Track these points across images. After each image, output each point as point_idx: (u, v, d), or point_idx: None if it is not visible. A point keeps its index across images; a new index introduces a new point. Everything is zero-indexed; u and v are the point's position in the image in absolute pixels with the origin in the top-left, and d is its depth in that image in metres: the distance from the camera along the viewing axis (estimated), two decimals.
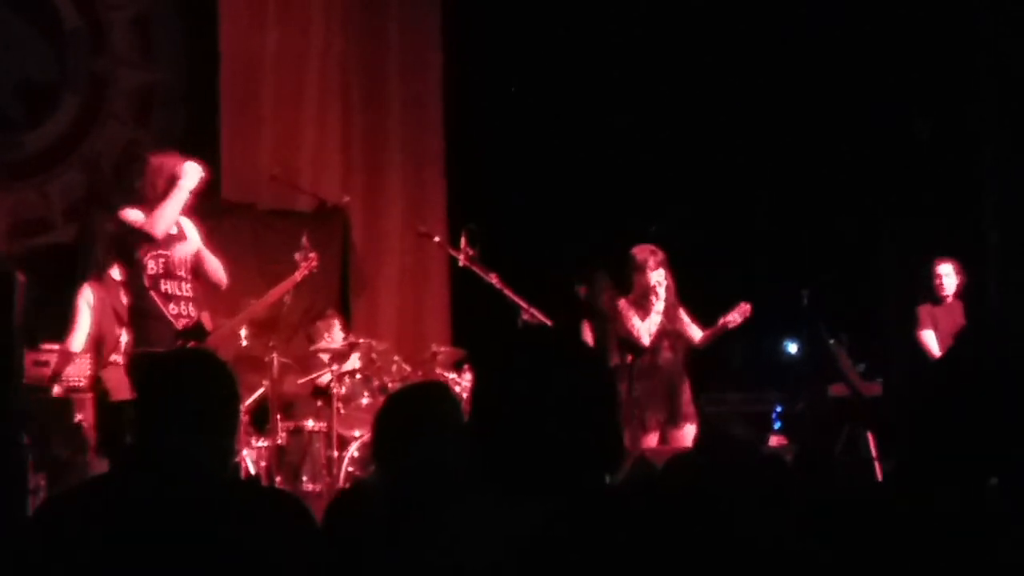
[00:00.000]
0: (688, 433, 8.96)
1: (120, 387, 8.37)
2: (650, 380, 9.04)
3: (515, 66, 12.71)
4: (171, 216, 7.56)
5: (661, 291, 9.01)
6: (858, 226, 12.15)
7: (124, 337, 8.66)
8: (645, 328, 9.00)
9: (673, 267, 9.12)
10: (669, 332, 9.09)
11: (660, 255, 9.08)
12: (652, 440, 8.93)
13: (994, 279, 11.27)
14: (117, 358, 8.70)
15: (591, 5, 12.58)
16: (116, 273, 8.87)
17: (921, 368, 10.11)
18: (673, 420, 8.98)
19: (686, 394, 9.11)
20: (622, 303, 9.09)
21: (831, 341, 10.13)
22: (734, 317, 9.03)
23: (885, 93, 11.82)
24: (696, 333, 9.16)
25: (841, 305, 11.86)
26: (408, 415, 4.26)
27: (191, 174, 7.63)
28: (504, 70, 12.75)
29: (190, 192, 7.62)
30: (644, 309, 9.04)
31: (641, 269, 9.06)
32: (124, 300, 8.45)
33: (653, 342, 9.02)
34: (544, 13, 12.57)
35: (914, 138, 11.69)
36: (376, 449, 4.37)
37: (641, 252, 9.12)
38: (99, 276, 9.13)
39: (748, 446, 5.52)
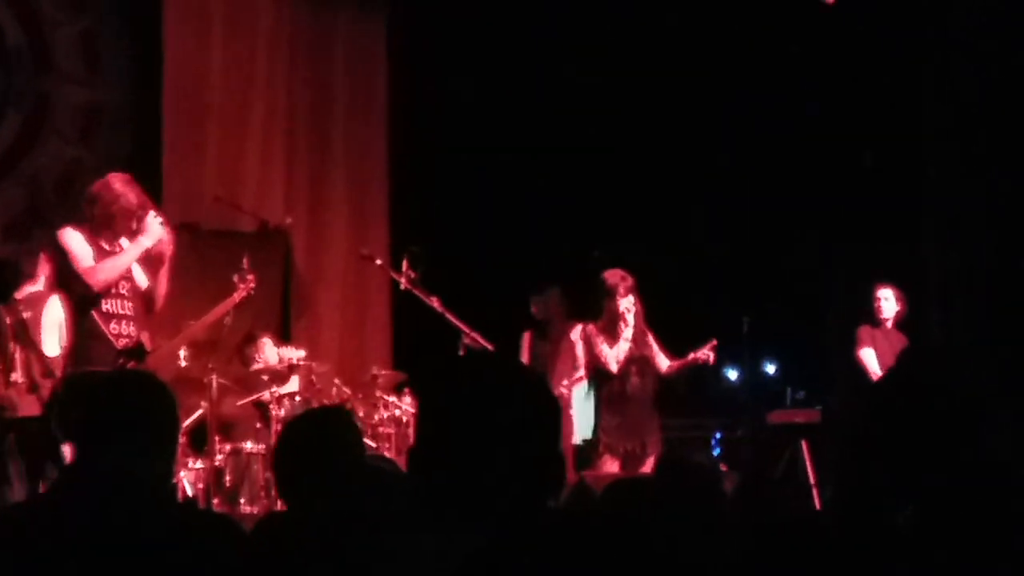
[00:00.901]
0: (651, 463, 8.90)
1: (24, 405, 8.28)
2: (618, 408, 8.98)
3: (460, 87, 12.71)
4: (119, 272, 7.46)
5: (630, 317, 8.94)
6: (800, 253, 12.21)
7: (18, 355, 8.56)
8: (613, 355, 8.93)
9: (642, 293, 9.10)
10: (637, 358, 9.02)
11: (630, 280, 9.01)
12: (611, 467, 8.88)
13: (936, 304, 11.35)
14: (16, 377, 8.58)
15: (537, 24, 12.59)
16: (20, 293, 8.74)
17: (860, 388, 10.16)
18: (640, 450, 8.93)
19: (654, 423, 9.08)
20: (591, 328, 9.04)
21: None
22: (705, 354, 9.05)
23: (829, 119, 11.90)
24: (663, 362, 9.13)
25: (782, 332, 11.94)
26: (304, 447, 4.12)
27: (153, 232, 7.53)
28: (449, 91, 12.74)
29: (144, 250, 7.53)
30: (613, 335, 8.98)
31: (611, 295, 8.98)
32: (21, 315, 8.38)
33: (621, 369, 8.96)
34: (490, 32, 12.58)
35: (860, 165, 11.76)
36: (279, 485, 4.23)
37: (612, 277, 9.04)
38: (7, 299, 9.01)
39: (710, 472, 5.54)
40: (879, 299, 10.37)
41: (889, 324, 10.34)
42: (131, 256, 7.48)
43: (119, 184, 7.59)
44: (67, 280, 7.55)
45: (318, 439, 4.11)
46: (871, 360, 10.18)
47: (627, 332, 8.95)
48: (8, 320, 8.64)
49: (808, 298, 12.14)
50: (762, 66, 12.05)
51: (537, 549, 2.40)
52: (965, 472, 2.80)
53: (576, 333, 9.34)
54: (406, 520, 3.26)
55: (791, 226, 12.18)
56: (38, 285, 8.49)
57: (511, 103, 12.63)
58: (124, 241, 7.60)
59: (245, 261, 8.64)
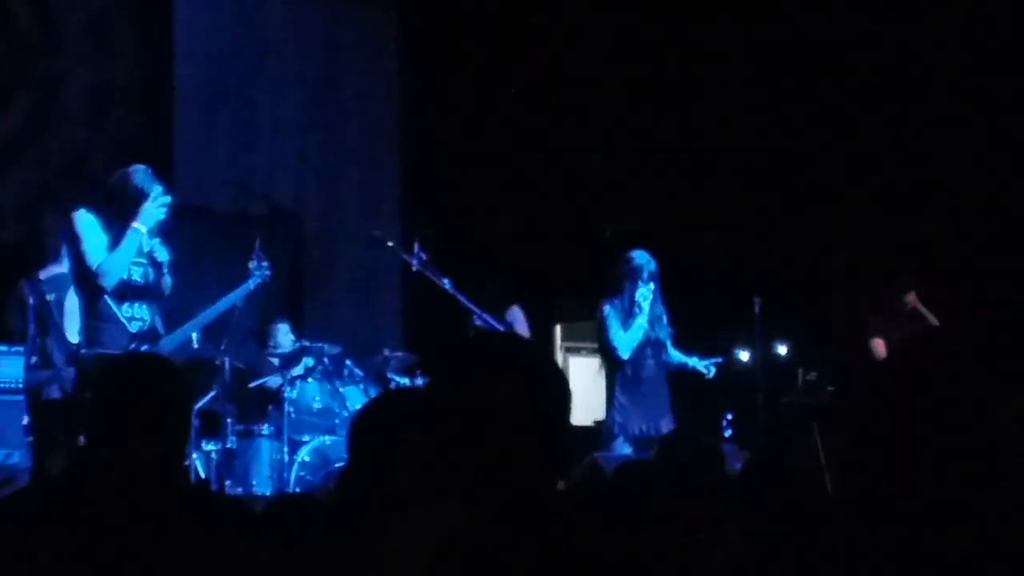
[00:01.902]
0: None
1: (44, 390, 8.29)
2: (633, 391, 8.95)
3: (471, 69, 12.71)
4: (123, 266, 7.35)
5: (646, 305, 8.87)
6: (812, 234, 12.19)
7: (38, 339, 8.55)
8: (627, 343, 8.85)
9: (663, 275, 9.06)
10: (653, 341, 8.99)
11: (654, 265, 8.97)
12: (624, 448, 8.86)
13: (944, 288, 11.33)
14: (35, 359, 8.58)
15: (549, 7, 12.59)
16: (45, 272, 8.75)
17: (870, 376, 10.11)
18: (655, 433, 8.89)
19: (668, 406, 9.06)
20: (607, 309, 8.98)
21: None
22: (707, 367, 9.06)
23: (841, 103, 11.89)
24: (669, 350, 9.12)
25: (794, 313, 11.93)
26: (390, 424, 4.15)
27: (149, 216, 7.43)
28: (459, 74, 12.75)
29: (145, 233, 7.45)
30: (629, 317, 8.91)
31: (632, 277, 8.93)
32: (45, 297, 8.38)
33: (636, 352, 8.92)
34: (503, 15, 12.57)
35: (871, 152, 11.74)
36: (353, 459, 4.27)
37: (638, 258, 8.98)
38: (31, 275, 9.01)
39: (713, 452, 5.54)
40: (906, 304, 10.32)
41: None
42: (130, 246, 7.37)
43: (140, 177, 7.50)
44: (78, 267, 7.49)
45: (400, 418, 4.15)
46: (882, 350, 10.17)
47: (642, 318, 8.88)
48: (31, 300, 8.64)
49: (820, 280, 12.13)
50: (766, 47, 12.04)
51: (544, 528, 2.41)
52: (966, 456, 2.81)
53: (511, 314, 9.33)
54: (416, 497, 3.27)
55: (803, 207, 12.16)
56: (63, 267, 8.44)
57: (524, 85, 12.62)
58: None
59: (258, 246, 8.59)
